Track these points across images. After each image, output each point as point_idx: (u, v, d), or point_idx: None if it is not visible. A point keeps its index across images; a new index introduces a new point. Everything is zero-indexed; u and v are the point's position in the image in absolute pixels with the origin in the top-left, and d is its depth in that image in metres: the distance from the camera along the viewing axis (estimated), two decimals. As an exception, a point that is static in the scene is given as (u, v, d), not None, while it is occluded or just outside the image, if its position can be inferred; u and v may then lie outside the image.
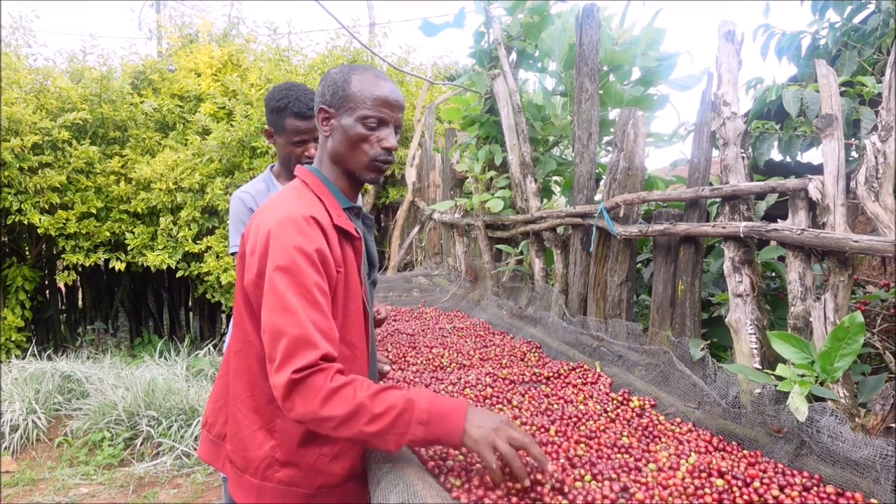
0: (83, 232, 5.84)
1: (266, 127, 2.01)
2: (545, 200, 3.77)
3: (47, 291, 6.78)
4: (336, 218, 1.26)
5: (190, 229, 5.90)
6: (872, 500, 1.06)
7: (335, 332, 1.17)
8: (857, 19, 2.34)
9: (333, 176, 1.35)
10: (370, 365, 1.39)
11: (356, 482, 1.31)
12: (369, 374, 1.39)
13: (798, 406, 1.19)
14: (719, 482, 1.17)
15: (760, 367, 1.45)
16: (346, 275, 1.27)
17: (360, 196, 2.40)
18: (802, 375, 1.27)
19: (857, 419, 1.22)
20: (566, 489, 1.13)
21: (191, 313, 7.83)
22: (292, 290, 1.13)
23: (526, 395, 1.72)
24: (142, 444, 4.13)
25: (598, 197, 2.35)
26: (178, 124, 6.76)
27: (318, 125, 1.35)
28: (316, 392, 1.07)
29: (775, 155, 2.10)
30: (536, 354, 2.19)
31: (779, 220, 1.47)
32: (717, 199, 1.75)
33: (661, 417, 1.55)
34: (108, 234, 5.90)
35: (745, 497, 1.12)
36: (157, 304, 7.71)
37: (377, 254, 1.51)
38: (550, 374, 1.92)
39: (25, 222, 5.59)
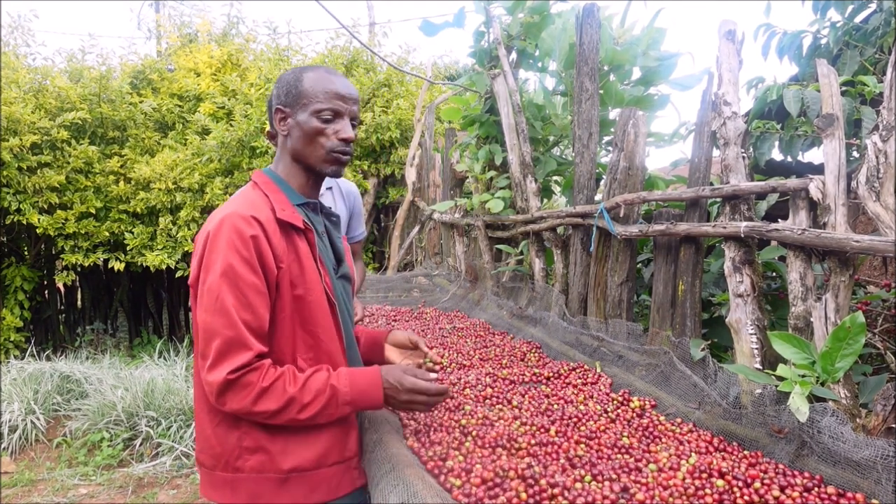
0: (82, 232, 5.83)
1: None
2: (545, 200, 3.76)
3: (46, 291, 6.77)
4: (280, 212, 1.29)
5: (189, 229, 5.89)
6: (874, 501, 1.06)
7: (265, 329, 1.24)
8: (858, 18, 2.33)
9: (290, 174, 1.39)
10: (347, 353, 1.41)
11: (333, 469, 1.32)
12: (347, 361, 1.41)
13: (799, 406, 1.19)
14: (720, 483, 1.16)
15: (761, 368, 1.45)
16: (302, 267, 1.30)
17: (331, 192, 2.41)
18: (803, 376, 1.27)
19: (858, 420, 1.22)
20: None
21: (190, 313, 7.82)
22: (227, 290, 1.19)
23: (526, 396, 1.72)
24: (141, 444, 4.13)
25: (598, 197, 2.35)
26: (178, 124, 6.76)
27: (275, 127, 1.37)
28: (249, 390, 1.18)
29: (776, 155, 2.10)
30: (536, 354, 2.18)
31: (779, 220, 1.46)
32: (718, 199, 1.74)
33: (662, 418, 1.55)
34: (107, 234, 5.89)
35: (746, 498, 1.12)
36: (157, 305, 7.70)
37: (343, 249, 1.53)
38: (550, 374, 1.92)
39: (24, 222, 5.58)
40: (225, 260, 1.20)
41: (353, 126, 1.37)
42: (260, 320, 1.22)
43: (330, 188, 2.43)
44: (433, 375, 1.34)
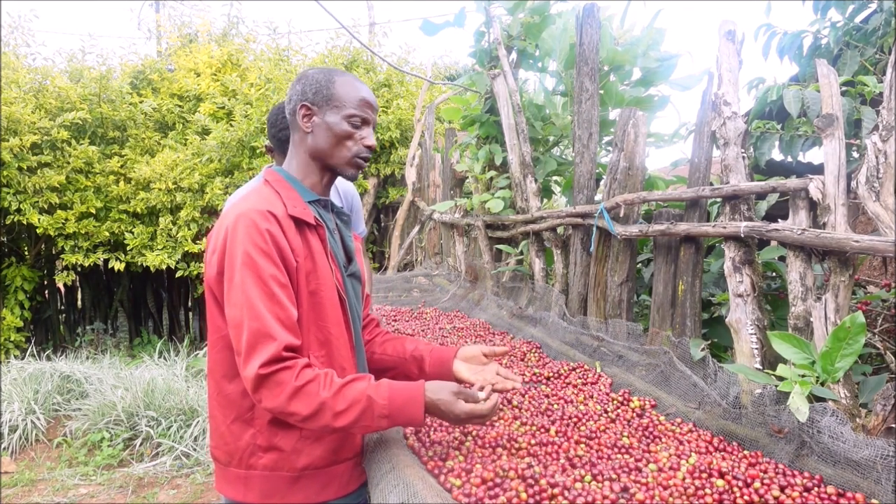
0: (82, 232, 5.83)
1: (265, 143, 2.01)
2: (545, 200, 3.76)
3: (46, 291, 6.77)
4: (291, 209, 1.29)
5: (189, 229, 5.89)
6: (873, 501, 1.06)
7: (294, 321, 1.23)
8: (858, 18, 2.33)
9: (305, 171, 1.39)
10: (356, 352, 1.42)
11: (343, 465, 1.32)
12: (356, 359, 1.41)
13: (799, 406, 1.19)
14: (720, 482, 1.16)
15: (761, 368, 1.45)
16: (314, 263, 1.30)
17: (337, 191, 2.42)
18: (803, 376, 1.27)
19: (857, 419, 1.22)
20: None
21: (190, 313, 7.83)
22: (250, 283, 1.19)
23: (526, 396, 1.72)
24: (141, 444, 4.13)
25: (598, 197, 2.35)
26: (178, 124, 6.76)
27: (296, 122, 1.36)
28: (282, 389, 1.16)
29: (776, 155, 2.10)
30: (536, 354, 2.18)
31: (779, 220, 1.46)
32: (718, 199, 1.74)
33: (662, 418, 1.55)
34: (107, 234, 5.89)
35: (746, 497, 1.12)
36: (157, 304, 7.71)
37: (353, 247, 1.52)
38: (550, 374, 1.92)
39: (24, 222, 5.58)
40: (245, 253, 1.20)
41: (373, 132, 1.41)
42: (286, 310, 1.21)
43: None
44: (482, 395, 1.26)
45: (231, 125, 5.97)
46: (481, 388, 1.28)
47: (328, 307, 1.32)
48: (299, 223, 1.30)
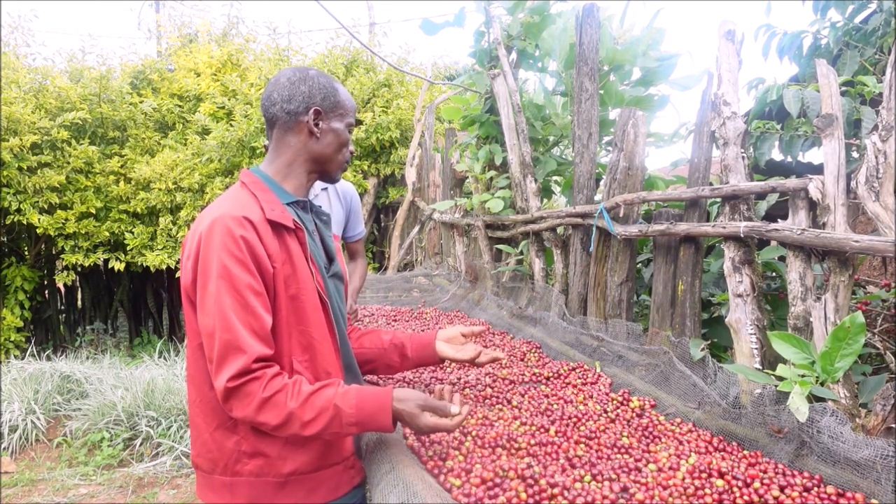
0: (82, 232, 5.83)
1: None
2: (545, 200, 3.76)
3: (46, 291, 6.77)
4: (269, 212, 1.28)
5: (189, 229, 5.89)
6: (873, 501, 1.06)
7: (268, 330, 1.22)
8: (858, 19, 2.33)
9: (290, 172, 1.38)
10: (341, 354, 1.41)
11: (331, 470, 1.32)
12: (342, 361, 1.41)
13: (798, 406, 1.19)
14: (719, 483, 1.16)
15: (761, 368, 1.45)
16: (294, 267, 1.29)
17: (326, 193, 2.43)
18: (803, 376, 1.27)
19: (857, 419, 1.22)
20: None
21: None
22: (224, 293, 1.18)
23: (526, 396, 1.72)
24: (141, 444, 4.13)
25: (598, 197, 2.35)
26: (178, 124, 6.77)
27: (301, 123, 1.35)
28: (250, 400, 1.16)
29: (776, 155, 2.10)
30: (536, 354, 2.18)
31: (779, 220, 1.46)
32: (718, 199, 1.74)
33: (662, 418, 1.55)
34: (107, 234, 5.90)
35: (746, 497, 1.12)
36: (157, 304, 7.71)
37: (334, 247, 1.52)
38: (550, 374, 1.92)
39: (24, 222, 5.58)
40: (219, 262, 1.18)
41: None
42: (260, 320, 1.20)
43: (325, 188, 2.43)
44: (454, 409, 1.25)
45: (231, 125, 5.97)
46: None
47: (309, 311, 1.30)
48: (277, 227, 1.28)
